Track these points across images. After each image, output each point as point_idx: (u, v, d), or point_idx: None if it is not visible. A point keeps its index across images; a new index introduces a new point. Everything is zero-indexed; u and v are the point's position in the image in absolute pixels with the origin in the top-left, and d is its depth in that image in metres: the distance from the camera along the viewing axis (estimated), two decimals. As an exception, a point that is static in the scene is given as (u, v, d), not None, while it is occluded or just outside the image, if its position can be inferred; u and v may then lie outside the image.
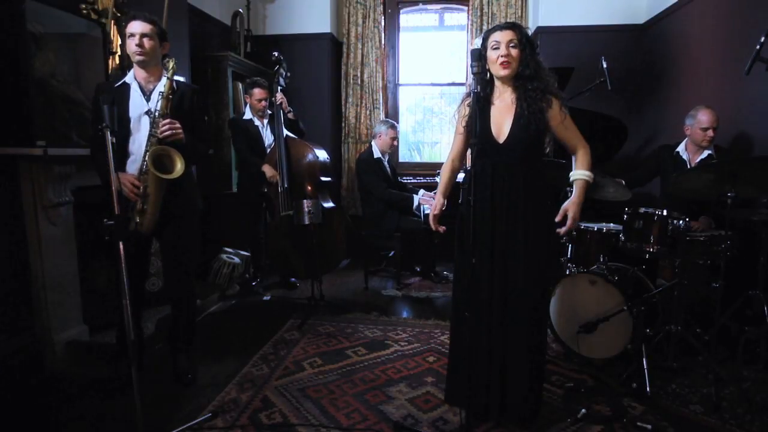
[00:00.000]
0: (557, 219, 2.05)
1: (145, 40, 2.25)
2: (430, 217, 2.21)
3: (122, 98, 2.29)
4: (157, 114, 2.21)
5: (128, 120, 2.29)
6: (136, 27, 2.25)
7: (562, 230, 2.05)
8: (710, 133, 2.94)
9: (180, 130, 2.23)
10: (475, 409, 2.03)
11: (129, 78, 2.35)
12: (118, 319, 2.41)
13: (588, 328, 2.58)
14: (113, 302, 2.68)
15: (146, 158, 2.19)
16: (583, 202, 2.06)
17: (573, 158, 2.11)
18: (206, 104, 2.64)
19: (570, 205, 2.04)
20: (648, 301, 2.64)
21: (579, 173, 2.07)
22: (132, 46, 2.26)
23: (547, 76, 1.99)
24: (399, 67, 5.40)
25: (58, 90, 2.59)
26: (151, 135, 2.21)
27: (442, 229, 2.23)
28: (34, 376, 2.52)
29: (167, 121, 2.20)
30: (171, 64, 2.24)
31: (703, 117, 2.94)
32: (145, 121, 2.26)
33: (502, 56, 1.93)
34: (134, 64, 2.33)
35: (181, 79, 3.67)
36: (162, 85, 2.26)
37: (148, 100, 2.30)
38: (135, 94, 2.32)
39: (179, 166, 2.19)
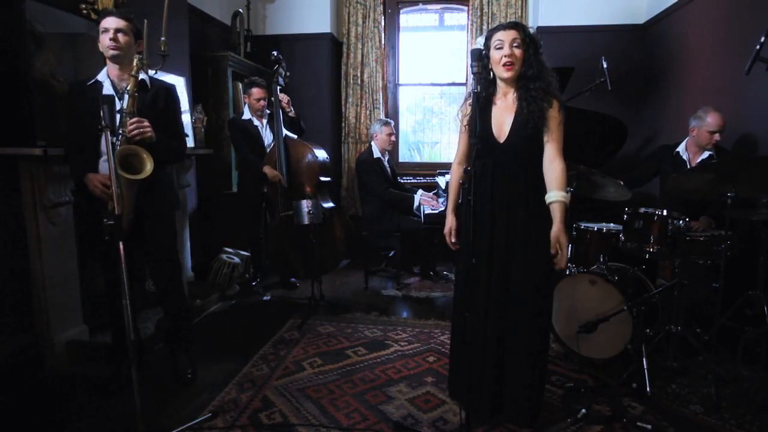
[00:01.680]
0: (552, 251, 1.92)
1: (120, 35, 2.22)
2: (447, 238, 2.16)
3: (94, 96, 2.22)
4: (123, 113, 2.16)
5: (99, 118, 2.25)
6: (111, 22, 2.22)
7: (560, 263, 1.93)
8: (717, 136, 2.94)
9: (148, 129, 2.18)
10: (476, 409, 2.03)
11: (101, 76, 2.31)
12: (114, 319, 2.41)
13: (588, 328, 2.59)
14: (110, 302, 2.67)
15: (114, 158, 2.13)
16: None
17: (546, 170, 1.97)
18: (178, 101, 2.59)
19: (558, 233, 1.91)
20: (648, 301, 2.64)
21: (556, 195, 1.92)
22: (106, 41, 2.22)
23: (550, 77, 1.99)
24: (399, 67, 5.40)
25: (58, 90, 2.58)
26: (119, 134, 2.16)
27: (457, 247, 2.16)
28: (34, 376, 2.52)
29: (134, 120, 2.16)
30: (135, 62, 2.18)
31: (711, 120, 2.93)
32: (116, 120, 2.20)
33: (505, 56, 1.92)
34: (107, 61, 2.29)
35: (180, 79, 3.66)
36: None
37: (120, 98, 2.24)
38: (107, 92, 2.27)
39: (148, 167, 2.13)
